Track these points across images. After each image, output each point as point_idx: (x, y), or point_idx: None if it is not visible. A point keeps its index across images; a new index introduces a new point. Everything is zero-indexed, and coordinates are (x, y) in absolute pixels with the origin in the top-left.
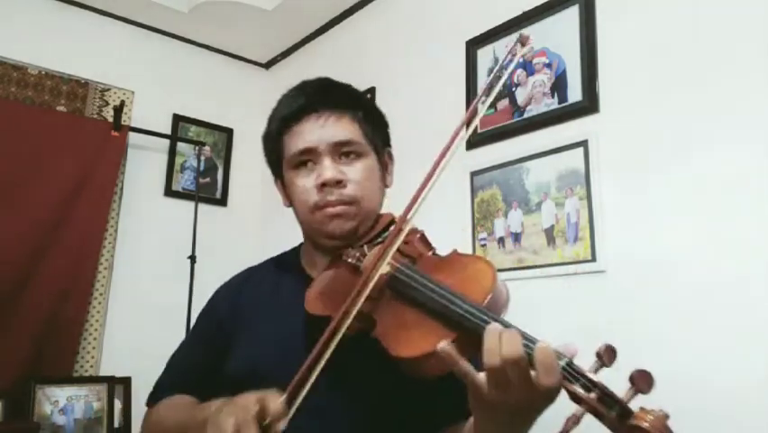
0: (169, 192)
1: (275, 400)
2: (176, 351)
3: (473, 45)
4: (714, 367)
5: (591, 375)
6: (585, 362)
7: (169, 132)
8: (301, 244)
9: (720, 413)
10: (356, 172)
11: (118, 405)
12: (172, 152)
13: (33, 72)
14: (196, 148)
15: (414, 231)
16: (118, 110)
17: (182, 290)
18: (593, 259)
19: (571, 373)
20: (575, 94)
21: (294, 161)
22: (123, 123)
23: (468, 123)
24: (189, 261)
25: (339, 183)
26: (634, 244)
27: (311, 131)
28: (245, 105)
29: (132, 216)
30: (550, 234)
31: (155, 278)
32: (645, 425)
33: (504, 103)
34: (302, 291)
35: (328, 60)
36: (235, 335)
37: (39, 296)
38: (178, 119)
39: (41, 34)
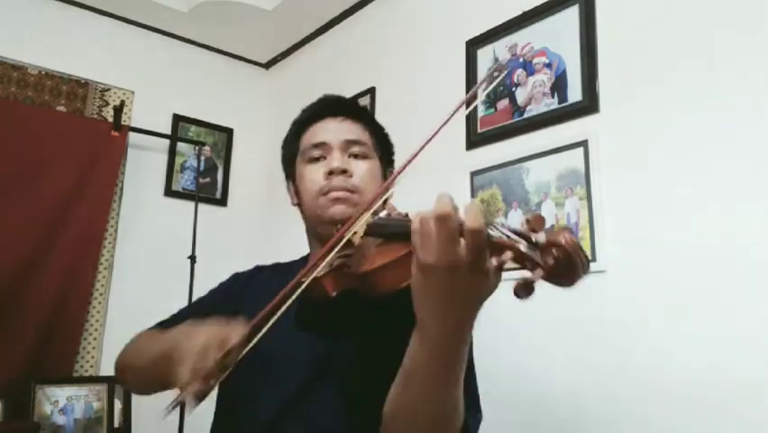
0: (169, 192)
1: (237, 331)
2: (178, 311)
3: (473, 45)
4: (714, 367)
5: (518, 228)
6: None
7: (169, 132)
8: (309, 255)
9: (722, 411)
10: (361, 168)
11: (118, 405)
12: (172, 152)
13: (33, 72)
14: (196, 148)
15: (399, 214)
16: (118, 110)
17: (182, 290)
18: (593, 259)
19: (498, 228)
20: (575, 94)
21: (308, 154)
22: (123, 123)
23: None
24: (189, 261)
25: (345, 172)
26: (634, 244)
27: (326, 129)
28: (245, 106)
29: (132, 216)
30: None
31: (155, 278)
32: (561, 239)
33: (504, 103)
34: None
35: (328, 60)
36: (239, 312)
37: (39, 296)
38: (178, 119)
39: (41, 34)
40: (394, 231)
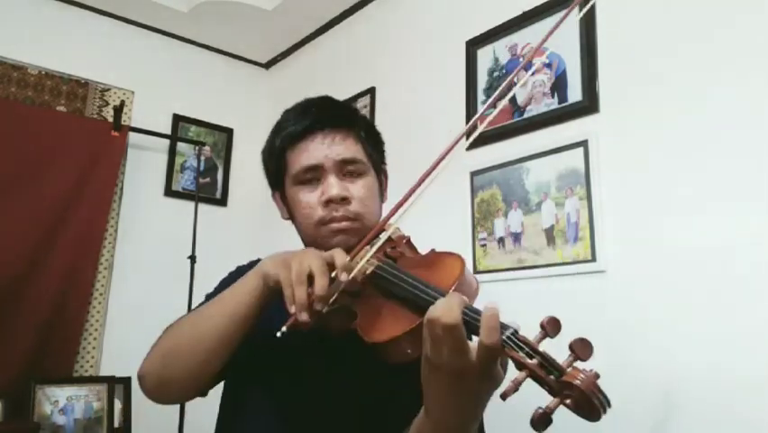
0: (169, 192)
1: (341, 255)
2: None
3: (473, 45)
4: (715, 366)
5: (534, 344)
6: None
7: (169, 132)
8: None
9: (722, 411)
10: (359, 190)
11: (118, 405)
12: (172, 152)
13: (33, 72)
14: (196, 148)
15: (401, 237)
16: (118, 110)
17: (182, 290)
18: (593, 259)
19: (515, 342)
20: (575, 94)
21: (299, 177)
22: (123, 123)
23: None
24: (189, 261)
25: (344, 200)
26: (634, 244)
27: (317, 148)
28: (245, 106)
29: (132, 216)
30: (550, 235)
31: (155, 278)
32: (577, 382)
33: (504, 103)
34: None
35: (328, 60)
36: None
37: (39, 296)
38: (178, 119)
39: (41, 34)
40: (407, 297)
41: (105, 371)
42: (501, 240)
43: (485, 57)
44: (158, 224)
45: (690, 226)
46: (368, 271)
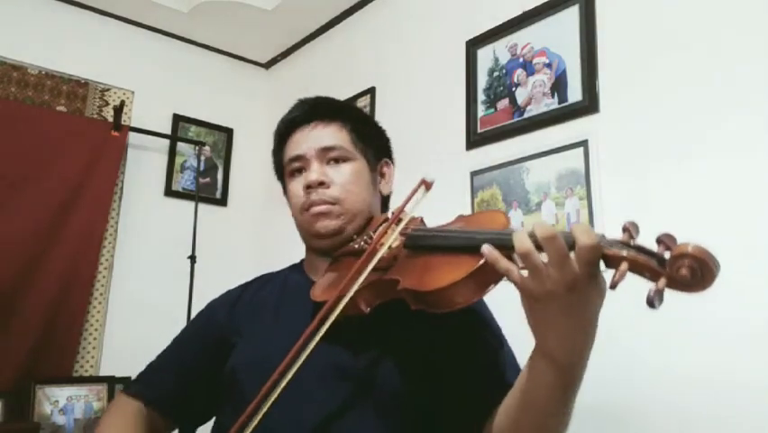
0: (169, 192)
1: None
2: (162, 355)
3: (473, 45)
4: (715, 366)
5: (625, 239)
6: None
7: (169, 132)
8: (302, 261)
9: (722, 411)
10: (341, 175)
11: None
12: (172, 152)
13: (33, 72)
14: (196, 148)
15: (414, 219)
16: (118, 110)
17: (182, 290)
18: None
19: (607, 241)
20: (575, 94)
21: (288, 168)
22: (123, 123)
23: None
24: (189, 261)
25: (322, 184)
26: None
27: (301, 139)
28: (245, 106)
29: (132, 216)
30: None
31: (155, 278)
32: (689, 249)
33: (504, 103)
34: (306, 290)
35: (328, 60)
36: (232, 341)
37: (39, 296)
38: (178, 119)
39: (41, 34)
40: (459, 244)
41: (105, 371)
42: None
43: (485, 57)
44: (158, 224)
45: (690, 227)
46: (395, 244)
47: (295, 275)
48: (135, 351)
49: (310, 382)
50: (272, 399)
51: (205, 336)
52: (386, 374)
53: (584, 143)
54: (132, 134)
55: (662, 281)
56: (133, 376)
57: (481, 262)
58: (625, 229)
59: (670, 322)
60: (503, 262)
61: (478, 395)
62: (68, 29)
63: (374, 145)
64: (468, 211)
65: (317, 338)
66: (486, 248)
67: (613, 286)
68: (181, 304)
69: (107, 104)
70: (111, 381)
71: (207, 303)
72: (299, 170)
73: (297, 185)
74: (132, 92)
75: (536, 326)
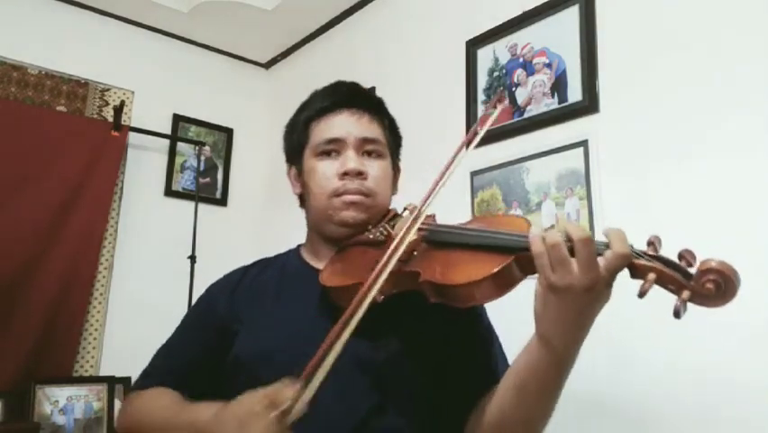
0: (169, 192)
1: (286, 388)
2: (167, 344)
3: (473, 45)
4: (715, 366)
5: (654, 252)
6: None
7: (169, 132)
8: (298, 246)
9: (722, 411)
10: (376, 169)
11: (118, 405)
12: (172, 152)
13: (33, 72)
14: (196, 148)
15: (429, 216)
16: (118, 110)
17: (182, 289)
18: None
19: (638, 253)
20: (575, 94)
21: (320, 148)
22: (123, 123)
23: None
24: (189, 261)
25: (360, 174)
26: (633, 244)
27: (343, 123)
28: (245, 106)
29: (132, 216)
30: None
31: (155, 278)
32: (713, 264)
33: (504, 103)
34: (308, 278)
35: (328, 60)
36: (234, 327)
37: (39, 296)
38: (178, 119)
39: (41, 34)
40: (485, 243)
41: (105, 371)
42: None
43: (485, 57)
44: (158, 224)
45: (690, 227)
46: (414, 238)
47: (293, 261)
48: (135, 351)
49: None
50: (316, 385)
51: (205, 326)
52: (404, 367)
53: (584, 143)
54: (132, 134)
55: (687, 294)
56: (134, 376)
57: (506, 262)
58: (650, 243)
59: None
60: (539, 246)
61: (472, 388)
62: (68, 29)
63: (397, 146)
64: (468, 211)
65: (350, 329)
66: (534, 234)
67: (641, 294)
68: (181, 304)
69: (107, 104)
70: (111, 381)
71: (207, 288)
72: (330, 153)
73: (329, 167)
74: (132, 92)
75: (543, 315)
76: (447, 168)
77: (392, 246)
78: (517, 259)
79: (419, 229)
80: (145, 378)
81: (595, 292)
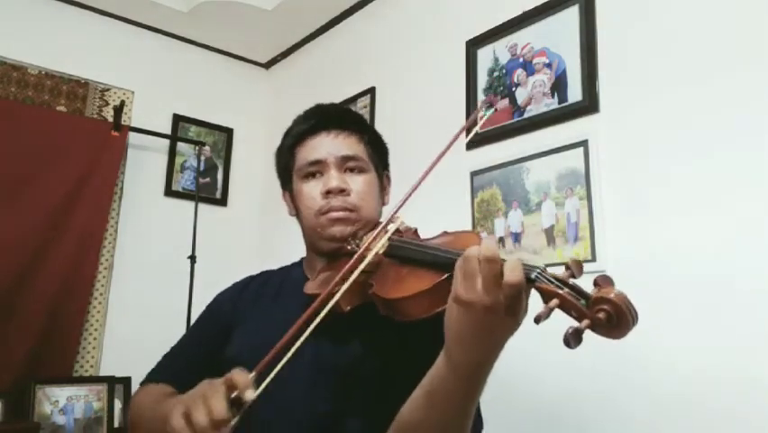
0: (169, 192)
1: (241, 374)
2: (174, 346)
3: (473, 45)
4: (715, 366)
5: (563, 277)
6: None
7: (169, 132)
8: (302, 259)
9: (722, 411)
10: (358, 184)
11: (118, 405)
12: (172, 152)
13: (33, 72)
14: (196, 148)
15: (408, 228)
16: (118, 110)
17: (182, 290)
18: (593, 259)
19: (545, 277)
20: (575, 94)
21: (304, 171)
22: (123, 123)
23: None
24: (189, 261)
25: (342, 191)
26: (634, 244)
27: (321, 145)
28: (245, 106)
29: (132, 216)
30: (550, 234)
31: (155, 278)
32: (612, 295)
33: (504, 103)
34: (302, 285)
35: (328, 60)
36: (235, 327)
37: (39, 296)
38: (178, 119)
39: (41, 34)
40: (426, 259)
41: (105, 371)
42: (501, 240)
43: (485, 57)
44: (158, 224)
45: (691, 226)
46: (381, 251)
47: (295, 272)
48: (135, 351)
49: (293, 371)
50: (262, 385)
51: (208, 329)
52: (365, 371)
53: (584, 143)
54: (132, 134)
55: (585, 322)
56: (134, 376)
57: (440, 279)
58: (567, 267)
59: (678, 319)
60: (459, 260)
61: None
62: (68, 29)
63: (381, 158)
64: (468, 211)
65: (309, 329)
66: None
67: (537, 320)
68: (181, 304)
69: (107, 104)
70: (111, 381)
71: (215, 296)
72: (313, 174)
73: (312, 188)
74: (132, 92)
75: (448, 330)
76: (421, 179)
77: (353, 258)
78: (450, 276)
79: (389, 241)
80: (150, 376)
81: (496, 316)
